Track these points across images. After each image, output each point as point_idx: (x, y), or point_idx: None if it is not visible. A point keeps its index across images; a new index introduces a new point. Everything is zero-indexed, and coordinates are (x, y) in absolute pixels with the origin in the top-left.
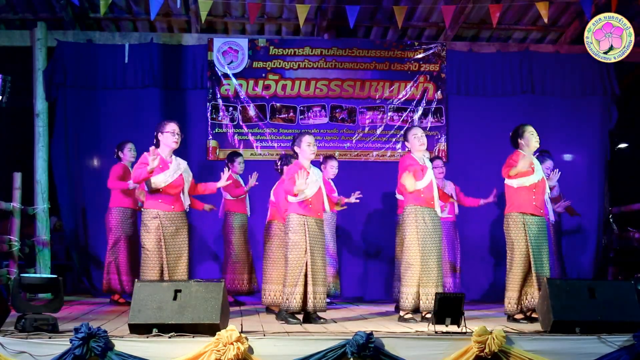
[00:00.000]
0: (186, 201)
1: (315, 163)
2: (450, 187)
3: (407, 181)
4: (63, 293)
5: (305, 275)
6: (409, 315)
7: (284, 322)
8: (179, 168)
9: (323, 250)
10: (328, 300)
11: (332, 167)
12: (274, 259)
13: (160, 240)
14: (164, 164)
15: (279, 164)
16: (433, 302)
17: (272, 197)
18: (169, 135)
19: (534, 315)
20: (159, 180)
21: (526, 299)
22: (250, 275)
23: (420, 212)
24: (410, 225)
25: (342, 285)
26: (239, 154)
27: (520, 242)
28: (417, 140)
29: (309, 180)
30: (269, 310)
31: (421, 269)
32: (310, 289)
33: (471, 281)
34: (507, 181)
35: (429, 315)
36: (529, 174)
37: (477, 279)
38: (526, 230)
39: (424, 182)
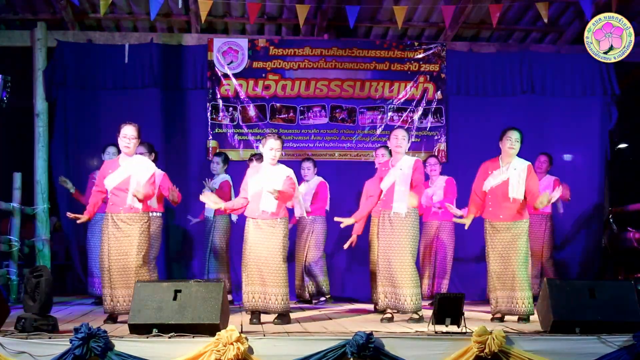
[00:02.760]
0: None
1: (295, 164)
2: (440, 185)
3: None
4: (49, 292)
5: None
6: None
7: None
8: (127, 170)
9: (266, 249)
10: (323, 299)
11: (303, 169)
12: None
13: (106, 241)
14: (114, 166)
15: (250, 165)
16: (405, 302)
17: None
18: (120, 139)
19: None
20: (109, 183)
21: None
22: (226, 275)
23: (382, 214)
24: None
25: (341, 286)
26: (219, 154)
27: (487, 246)
28: (393, 141)
29: (252, 180)
30: None
31: (380, 269)
32: (251, 288)
33: (471, 281)
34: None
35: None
36: (482, 180)
37: (477, 278)
38: (486, 235)
39: (384, 185)
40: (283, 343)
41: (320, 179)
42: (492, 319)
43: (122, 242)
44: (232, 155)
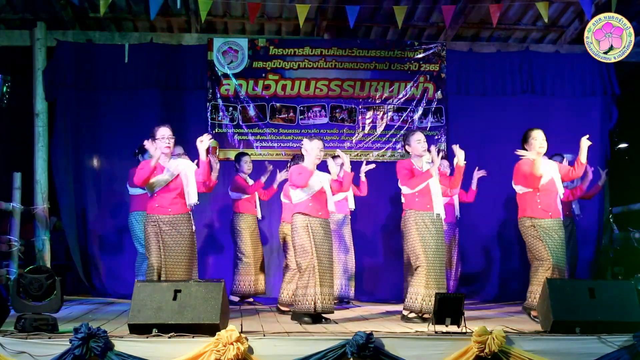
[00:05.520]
0: (191, 199)
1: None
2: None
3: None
4: (62, 292)
5: (315, 276)
6: (412, 315)
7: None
8: (177, 170)
9: (330, 251)
10: (346, 300)
11: (337, 164)
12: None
13: (159, 243)
14: (160, 168)
15: (290, 164)
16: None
17: (282, 199)
18: (159, 142)
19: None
20: (157, 182)
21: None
22: (259, 277)
23: (420, 216)
24: (409, 228)
25: (368, 287)
26: (246, 154)
27: (533, 244)
28: (420, 145)
29: (312, 180)
30: (280, 310)
31: (427, 270)
32: (318, 290)
33: (472, 281)
34: (514, 187)
35: (426, 316)
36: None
37: (478, 279)
38: (538, 232)
39: (419, 187)
40: (283, 343)
41: None
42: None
43: (172, 247)
44: (231, 155)
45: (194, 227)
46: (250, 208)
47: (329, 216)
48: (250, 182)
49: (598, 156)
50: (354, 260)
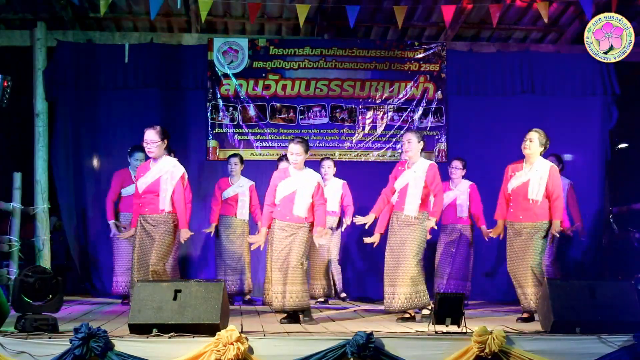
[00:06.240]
0: (162, 204)
1: (315, 164)
2: (464, 188)
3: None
4: (62, 293)
5: (269, 274)
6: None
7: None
8: (159, 172)
9: (289, 252)
10: (342, 299)
11: (323, 167)
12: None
13: (134, 242)
14: (145, 169)
15: (279, 165)
16: (398, 301)
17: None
18: (144, 145)
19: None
20: (140, 186)
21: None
22: (242, 276)
23: (393, 215)
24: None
25: (360, 286)
26: (236, 155)
27: (507, 247)
28: (403, 147)
29: (282, 184)
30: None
31: (386, 268)
32: (270, 286)
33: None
34: None
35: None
36: (506, 183)
37: (481, 279)
38: (507, 236)
39: (397, 185)
40: (283, 343)
41: (342, 180)
42: (518, 319)
43: (145, 243)
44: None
45: (173, 229)
46: (230, 210)
47: (302, 220)
48: (236, 181)
49: (598, 156)
50: (336, 260)
